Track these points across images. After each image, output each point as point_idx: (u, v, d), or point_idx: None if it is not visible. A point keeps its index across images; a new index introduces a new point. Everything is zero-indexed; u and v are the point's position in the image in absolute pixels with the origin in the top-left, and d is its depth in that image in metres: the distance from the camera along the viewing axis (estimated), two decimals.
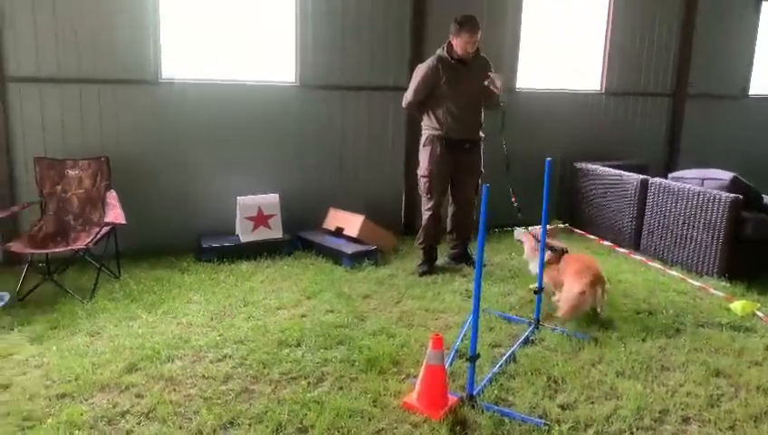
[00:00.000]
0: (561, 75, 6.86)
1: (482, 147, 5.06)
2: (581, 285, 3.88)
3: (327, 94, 5.80)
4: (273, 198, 5.58)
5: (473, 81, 4.79)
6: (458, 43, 4.73)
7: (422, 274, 4.99)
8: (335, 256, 5.25)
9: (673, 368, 3.53)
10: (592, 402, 3.15)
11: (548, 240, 4.11)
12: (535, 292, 4.02)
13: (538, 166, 4.33)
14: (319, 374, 3.33)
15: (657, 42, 7.14)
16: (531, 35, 6.50)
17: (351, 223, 5.48)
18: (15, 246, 4.30)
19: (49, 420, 2.82)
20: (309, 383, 3.23)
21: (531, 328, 3.94)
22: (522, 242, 4.72)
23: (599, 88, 7.03)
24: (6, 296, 2.56)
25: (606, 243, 6.01)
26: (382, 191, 6.20)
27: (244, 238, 5.39)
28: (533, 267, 4.35)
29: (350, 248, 5.22)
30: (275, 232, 5.51)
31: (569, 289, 3.96)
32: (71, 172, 4.80)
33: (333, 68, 5.78)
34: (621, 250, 5.79)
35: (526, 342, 3.80)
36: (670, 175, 5.91)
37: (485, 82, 4.74)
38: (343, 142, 5.98)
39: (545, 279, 4.12)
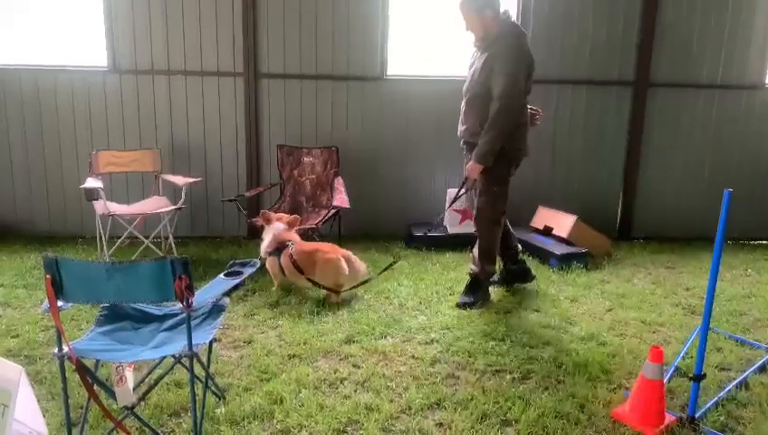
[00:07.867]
0: None
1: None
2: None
3: (543, 89, 5.68)
4: None
5: (474, 70, 3.99)
6: None
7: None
8: (542, 256, 5.16)
9: None
10: None
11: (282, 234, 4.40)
12: None
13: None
14: (524, 371, 3.32)
15: None
16: None
17: (562, 223, 5.32)
18: (259, 222, 4.93)
19: (282, 376, 3.21)
20: (514, 378, 3.24)
21: None
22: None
23: None
24: (257, 263, 2.98)
25: None
26: (597, 192, 5.92)
27: (451, 230, 5.55)
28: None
29: (558, 249, 5.08)
30: None
31: (357, 267, 4.35)
32: (305, 159, 5.38)
33: (550, 61, 5.65)
34: None
35: (762, 369, 3.37)
36: None
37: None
38: (557, 139, 5.83)
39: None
